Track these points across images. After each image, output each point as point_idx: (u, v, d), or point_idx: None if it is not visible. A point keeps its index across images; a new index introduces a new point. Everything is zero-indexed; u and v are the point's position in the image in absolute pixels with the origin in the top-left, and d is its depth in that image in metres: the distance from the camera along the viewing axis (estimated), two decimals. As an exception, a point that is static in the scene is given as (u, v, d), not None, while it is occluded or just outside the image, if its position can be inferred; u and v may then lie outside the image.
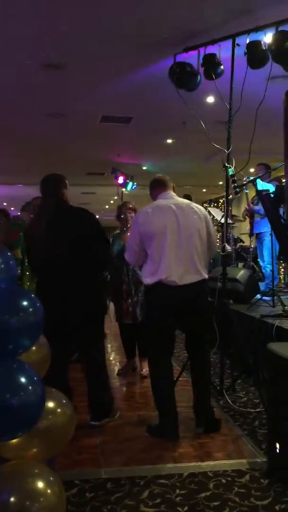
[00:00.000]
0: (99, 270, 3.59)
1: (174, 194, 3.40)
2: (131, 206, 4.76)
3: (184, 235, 3.19)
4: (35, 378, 1.71)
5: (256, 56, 4.18)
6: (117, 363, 5.29)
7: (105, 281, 4.39)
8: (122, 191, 11.28)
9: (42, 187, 3.45)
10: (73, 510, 2.37)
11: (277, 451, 2.66)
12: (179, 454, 2.97)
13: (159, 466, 2.81)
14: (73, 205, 3.44)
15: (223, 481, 2.62)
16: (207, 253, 3.37)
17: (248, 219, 6.96)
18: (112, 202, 17.10)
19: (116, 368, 5.04)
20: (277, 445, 2.66)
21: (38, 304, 1.77)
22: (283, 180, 4.89)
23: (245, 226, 8.19)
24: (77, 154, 9.61)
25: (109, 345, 6.16)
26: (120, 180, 10.71)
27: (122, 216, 4.73)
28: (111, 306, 5.00)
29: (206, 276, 3.30)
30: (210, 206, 14.70)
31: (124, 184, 10.82)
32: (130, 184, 10.74)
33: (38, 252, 3.35)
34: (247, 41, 4.21)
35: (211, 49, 4.48)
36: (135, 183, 10.90)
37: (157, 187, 3.44)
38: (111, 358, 5.52)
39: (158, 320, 3.25)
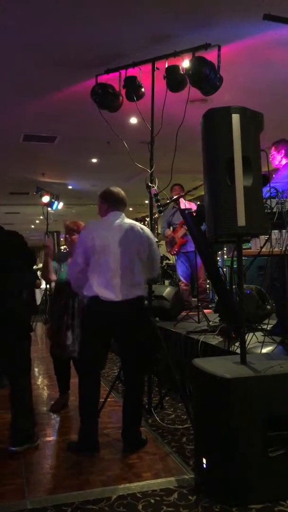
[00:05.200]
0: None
1: (123, 214, 3.42)
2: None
3: (124, 254, 3.26)
4: None
5: (174, 80, 4.33)
6: (44, 387, 5.14)
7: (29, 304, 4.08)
8: (48, 211, 11.12)
9: None
10: None
11: (204, 466, 2.69)
12: (108, 477, 2.91)
13: (87, 491, 2.74)
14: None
15: (152, 501, 2.60)
16: (148, 272, 3.46)
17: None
18: (37, 222, 16.82)
19: (44, 393, 4.90)
20: (204, 460, 2.69)
21: None
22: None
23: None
24: (-1, 173, 9.41)
25: (36, 369, 5.98)
26: (45, 199, 10.55)
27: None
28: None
29: (142, 294, 3.39)
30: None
31: (50, 203, 10.67)
32: (56, 203, 10.61)
33: None
34: (166, 65, 4.35)
35: (132, 72, 4.58)
36: (61, 202, 10.80)
37: (110, 202, 3.40)
38: (38, 383, 5.35)
39: (94, 332, 3.30)
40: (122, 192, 3.46)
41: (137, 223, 3.46)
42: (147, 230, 3.47)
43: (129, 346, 3.37)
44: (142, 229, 3.41)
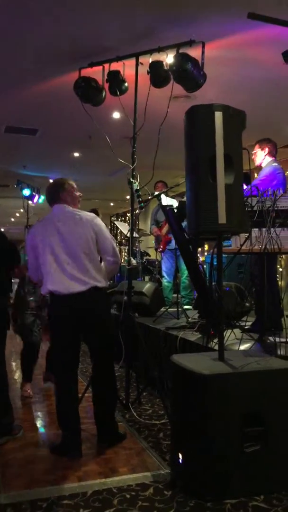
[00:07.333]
0: None
1: (65, 206, 3.32)
2: None
3: (69, 246, 3.18)
4: None
5: (158, 75, 4.32)
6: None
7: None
8: (28, 204, 11.01)
9: None
10: None
11: (180, 461, 2.71)
12: (84, 472, 2.91)
13: (63, 487, 2.73)
14: None
15: (127, 496, 2.61)
16: (103, 259, 3.35)
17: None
18: (18, 215, 16.65)
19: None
20: (180, 456, 2.71)
21: None
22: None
23: (152, 239, 8.36)
24: (-21, 164, 9.28)
25: (13, 363, 5.93)
26: (26, 192, 10.45)
27: None
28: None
29: (100, 284, 3.21)
30: (117, 220, 14.84)
31: (31, 197, 10.56)
32: (37, 196, 10.51)
33: None
34: (150, 61, 4.33)
35: (116, 66, 4.55)
36: (41, 196, 10.70)
37: (52, 199, 3.38)
38: (15, 377, 5.31)
39: (58, 331, 3.25)
40: (57, 182, 3.39)
41: (79, 211, 3.32)
42: (90, 216, 3.31)
43: (98, 337, 3.30)
44: (85, 216, 3.29)
